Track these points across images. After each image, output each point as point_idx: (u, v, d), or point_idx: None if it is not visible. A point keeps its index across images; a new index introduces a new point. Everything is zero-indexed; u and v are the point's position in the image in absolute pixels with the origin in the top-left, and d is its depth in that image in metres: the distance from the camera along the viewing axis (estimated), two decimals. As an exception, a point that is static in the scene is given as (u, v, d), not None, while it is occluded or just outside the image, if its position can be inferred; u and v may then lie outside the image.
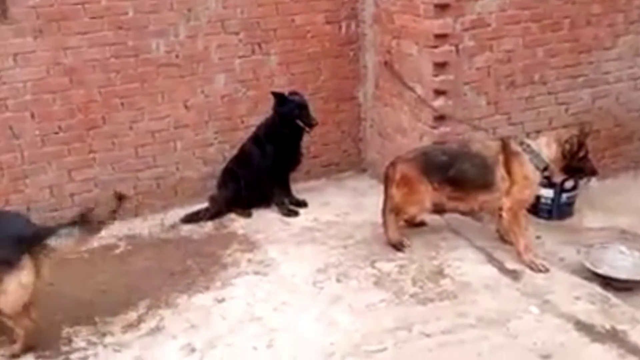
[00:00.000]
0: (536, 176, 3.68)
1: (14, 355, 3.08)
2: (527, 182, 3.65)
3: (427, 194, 3.77)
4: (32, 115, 4.09)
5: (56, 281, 3.45)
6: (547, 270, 3.57)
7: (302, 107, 4.42)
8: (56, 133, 4.19)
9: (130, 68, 4.25)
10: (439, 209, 3.99)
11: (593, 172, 3.85)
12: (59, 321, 3.30)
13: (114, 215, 3.12)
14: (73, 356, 3.06)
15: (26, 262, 2.91)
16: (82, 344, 3.14)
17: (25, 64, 3.97)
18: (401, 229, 3.98)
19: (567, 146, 3.64)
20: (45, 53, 4.00)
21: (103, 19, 4.09)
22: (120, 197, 3.14)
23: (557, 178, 3.95)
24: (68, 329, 3.24)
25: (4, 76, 3.94)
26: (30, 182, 4.19)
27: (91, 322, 3.30)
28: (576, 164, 3.69)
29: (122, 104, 4.31)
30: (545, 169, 3.67)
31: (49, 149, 4.19)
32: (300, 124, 4.43)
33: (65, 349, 3.11)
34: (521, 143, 3.70)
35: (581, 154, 3.67)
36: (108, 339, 3.17)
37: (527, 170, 3.64)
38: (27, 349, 3.09)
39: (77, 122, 4.22)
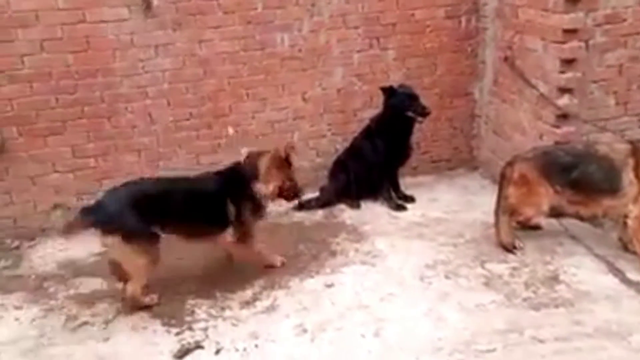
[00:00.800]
0: None
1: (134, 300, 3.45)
2: None
3: (546, 196, 3.64)
4: (168, 103, 4.46)
5: (184, 256, 3.79)
6: None
7: (413, 97, 4.43)
8: (187, 120, 4.53)
9: (256, 61, 4.50)
10: (557, 213, 3.84)
11: None
12: (184, 293, 3.59)
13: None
14: (195, 326, 3.30)
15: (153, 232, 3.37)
16: (204, 316, 3.39)
17: (165, 55, 4.33)
18: (514, 230, 3.88)
19: None
20: (182, 45, 4.34)
21: (234, 14, 4.35)
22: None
23: None
24: (191, 301, 3.52)
25: (146, 65, 4.32)
26: (162, 165, 4.56)
27: (212, 296, 3.55)
28: None
29: (247, 94, 4.58)
30: None
31: (180, 134, 4.55)
32: (412, 114, 4.42)
33: (188, 319, 3.37)
34: None
35: None
36: (227, 313, 3.40)
37: None
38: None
39: (206, 110, 4.54)
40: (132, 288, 3.40)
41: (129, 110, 4.39)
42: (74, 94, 4.26)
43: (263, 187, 3.63)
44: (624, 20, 3.92)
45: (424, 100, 4.46)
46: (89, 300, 3.60)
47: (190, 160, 4.60)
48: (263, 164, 3.62)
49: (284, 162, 3.67)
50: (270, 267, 3.81)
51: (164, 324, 3.33)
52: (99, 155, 4.44)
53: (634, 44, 3.99)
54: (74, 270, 3.96)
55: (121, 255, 3.34)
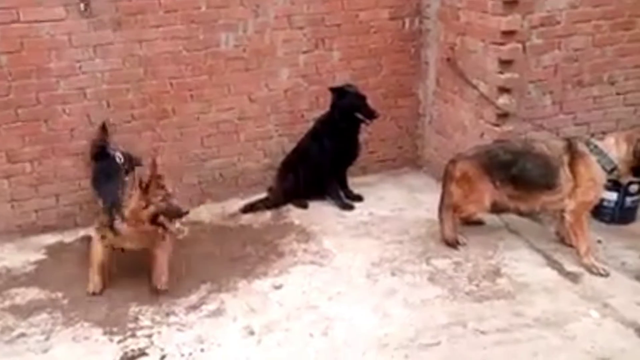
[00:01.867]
0: (602, 178, 3.60)
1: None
2: (592, 183, 3.58)
3: (487, 192, 3.75)
4: (108, 104, 4.32)
5: (125, 262, 3.68)
6: (607, 274, 3.51)
7: (361, 99, 4.47)
8: (128, 122, 4.41)
9: (200, 61, 4.42)
10: (498, 208, 3.96)
11: None
12: (127, 299, 3.49)
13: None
14: (139, 333, 3.22)
15: None
16: (148, 322, 3.31)
17: (103, 55, 4.19)
18: (458, 226, 3.97)
19: None
20: (122, 45, 4.21)
21: (177, 13, 4.26)
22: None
23: (625, 179, 3.84)
24: (134, 308, 3.43)
25: (84, 66, 4.18)
26: (103, 167, 4.42)
27: (156, 302, 3.47)
28: None
29: (191, 95, 4.49)
30: (613, 170, 3.59)
31: (121, 136, 4.40)
32: (360, 116, 4.47)
33: (131, 325, 3.28)
34: (588, 143, 3.63)
35: None
36: (172, 319, 3.33)
37: (594, 172, 3.57)
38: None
39: (148, 111, 4.43)
40: None
41: (66, 112, 4.23)
42: (7, 95, 4.07)
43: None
44: (558, 22, 4.08)
45: (370, 102, 4.51)
46: (26, 310, 3.45)
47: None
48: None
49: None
50: None
51: (105, 333, 3.23)
52: (35, 159, 4.25)
53: (567, 46, 4.15)
54: (9, 280, 3.79)
55: None
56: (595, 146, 3.61)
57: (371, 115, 4.47)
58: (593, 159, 3.57)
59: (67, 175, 4.35)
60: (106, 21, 4.13)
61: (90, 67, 4.19)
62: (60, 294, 3.58)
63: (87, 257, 3.63)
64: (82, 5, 4.02)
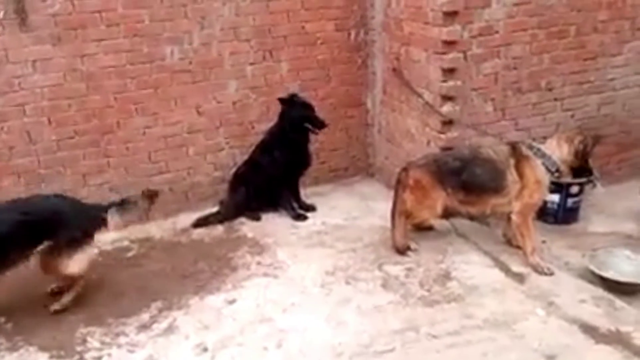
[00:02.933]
0: (546, 179, 3.75)
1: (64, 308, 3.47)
2: (538, 185, 3.72)
3: (439, 199, 3.84)
4: (49, 121, 4.20)
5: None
6: (552, 274, 3.63)
7: (309, 109, 4.50)
8: (71, 138, 4.29)
9: (145, 74, 4.35)
10: (449, 213, 4.05)
11: (591, 172, 3.98)
12: (73, 321, 3.38)
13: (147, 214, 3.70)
14: (87, 355, 3.13)
15: (93, 237, 3.46)
16: (96, 344, 3.21)
17: (43, 70, 4.08)
18: (409, 232, 4.04)
19: (581, 146, 3.73)
20: (62, 60, 4.10)
21: (119, 27, 4.19)
22: (151, 195, 3.65)
23: (565, 180, 4.01)
24: (82, 330, 3.32)
25: (22, 82, 4.05)
26: (45, 187, 4.27)
27: (105, 322, 3.37)
28: (583, 164, 3.79)
29: (137, 109, 4.41)
30: (557, 171, 3.74)
31: (64, 153, 4.30)
32: (309, 126, 4.50)
33: (79, 348, 3.18)
34: (531, 147, 3.77)
35: (589, 154, 3.78)
36: (122, 339, 3.24)
37: (538, 174, 3.71)
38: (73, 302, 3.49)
39: (92, 127, 4.32)
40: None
41: (4, 130, 4.08)
42: (-60, 114, 3.91)
43: None
44: (496, 32, 4.21)
45: (319, 112, 4.54)
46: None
47: (77, 181, 4.36)
48: None
49: None
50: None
51: (52, 357, 3.13)
52: (-28, 180, 4.09)
53: (506, 54, 4.29)
54: None
55: None
56: (539, 149, 3.76)
57: (320, 125, 4.51)
58: (538, 161, 3.72)
59: (7, 195, 4.15)
60: (45, 36, 4.02)
61: (30, 83, 4.07)
62: (2, 319, 3.43)
63: (30, 279, 3.48)
64: (18, 20, 3.90)
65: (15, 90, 4.04)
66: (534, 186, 3.72)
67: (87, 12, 4.08)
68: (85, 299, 3.54)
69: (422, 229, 4.19)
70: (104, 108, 4.32)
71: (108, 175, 4.39)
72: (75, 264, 3.42)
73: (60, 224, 3.35)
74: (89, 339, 3.25)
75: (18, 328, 3.35)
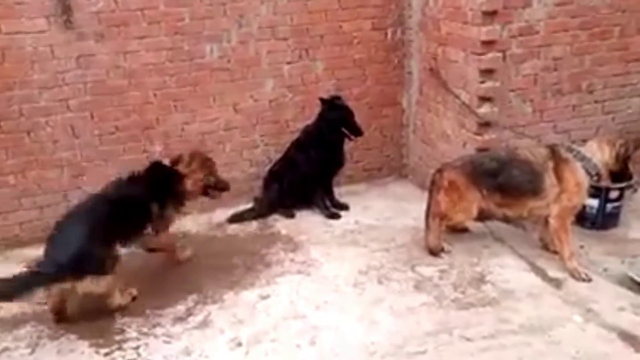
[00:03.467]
0: (586, 183, 3.68)
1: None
2: (577, 188, 3.66)
3: (475, 201, 3.80)
4: (92, 115, 4.31)
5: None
6: (589, 280, 3.57)
7: (350, 115, 4.51)
8: (112, 133, 4.40)
9: (184, 72, 4.43)
10: (484, 216, 4.01)
11: (631, 177, 3.90)
12: (112, 311, 3.46)
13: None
14: (125, 345, 3.21)
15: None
16: (134, 334, 3.29)
17: (87, 66, 4.19)
18: (443, 234, 4.01)
19: (622, 149, 3.66)
20: (105, 56, 4.21)
21: (160, 24, 4.27)
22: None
23: (606, 183, 3.94)
24: (120, 320, 3.41)
25: (67, 77, 4.17)
26: (87, 179, 4.40)
27: (142, 313, 3.45)
28: (623, 168, 3.72)
29: (176, 106, 4.50)
30: (597, 174, 3.67)
31: (105, 147, 4.41)
32: (346, 132, 4.52)
33: (118, 338, 3.27)
34: (570, 149, 3.70)
35: (630, 158, 3.71)
36: (158, 330, 3.32)
37: (578, 177, 3.64)
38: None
39: (132, 122, 4.43)
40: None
41: (49, 124, 4.21)
42: (-10, 108, 4.05)
43: (188, 184, 3.82)
44: (537, 32, 4.16)
45: (357, 118, 4.56)
46: (10, 324, 3.41)
47: (117, 174, 4.44)
48: (184, 162, 3.85)
49: (204, 159, 3.94)
50: (177, 262, 3.98)
51: (92, 345, 3.21)
52: (18, 172, 4.22)
53: (546, 55, 4.23)
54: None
55: (100, 288, 3.31)
56: (579, 152, 3.69)
57: (357, 132, 4.54)
58: (577, 164, 3.65)
59: (51, 187, 4.32)
60: (89, 33, 4.13)
61: (74, 78, 4.18)
62: (45, 307, 3.52)
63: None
64: (64, 17, 4.01)
65: (60, 85, 4.17)
66: (573, 189, 3.65)
67: (130, 10, 4.18)
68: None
69: (457, 230, 4.16)
70: (144, 104, 4.41)
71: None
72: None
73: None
74: (127, 329, 3.34)
75: (59, 316, 3.46)
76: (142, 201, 3.62)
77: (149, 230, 3.71)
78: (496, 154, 3.95)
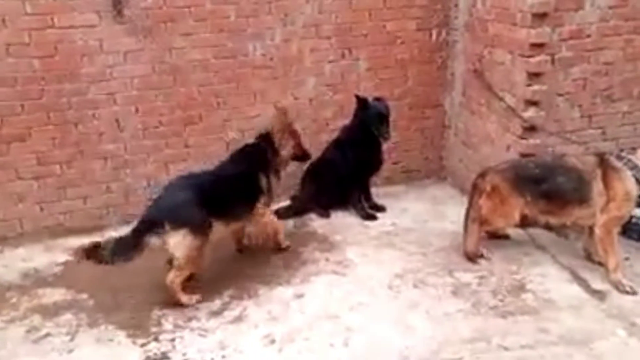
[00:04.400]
0: (636, 192, 3.53)
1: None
2: (626, 198, 3.52)
3: (517, 207, 3.71)
4: (137, 110, 4.40)
5: (148, 265, 3.70)
6: (635, 293, 3.44)
7: (382, 117, 4.44)
8: (156, 127, 4.48)
9: (228, 69, 4.48)
10: (527, 223, 3.91)
11: None
12: (150, 303, 3.53)
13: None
14: (161, 337, 3.25)
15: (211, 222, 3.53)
16: (170, 327, 3.33)
17: (134, 61, 4.28)
18: (482, 240, 3.93)
19: None
20: (152, 52, 4.29)
21: (206, 22, 4.33)
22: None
23: None
24: (157, 312, 3.47)
25: (114, 72, 4.27)
26: (130, 172, 4.50)
27: (179, 306, 3.49)
28: None
29: (218, 103, 4.55)
30: None
31: (149, 141, 4.49)
32: (376, 132, 4.46)
33: (154, 329, 3.32)
34: (620, 157, 3.56)
35: None
36: (194, 324, 3.36)
37: (628, 186, 3.50)
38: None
39: (176, 117, 4.50)
40: (173, 277, 3.48)
41: (96, 116, 4.32)
42: (40, 99, 4.17)
43: (285, 152, 3.99)
44: (588, 36, 4.03)
45: (391, 123, 4.49)
46: (52, 311, 3.51)
47: (159, 168, 4.54)
48: (277, 131, 3.94)
49: (293, 129, 4.05)
50: (279, 247, 4.10)
51: (129, 336, 3.27)
52: (64, 162, 4.35)
53: (597, 59, 4.09)
54: (37, 280, 3.87)
55: (185, 248, 3.41)
56: (629, 160, 3.55)
57: (384, 136, 4.47)
58: (628, 173, 3.51)
59: (95, 178, 4.44)
60: (137, 28, 4.21)
61: (121, 73, 4.28)
62: (85, 295, 3.64)
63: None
64: (114, 12, 4.11)
65: (107, 80, 4.27)
66: (622, 198, 3.51)
67: (177, 7, 4.25)
68: (160, 282, 3.62)
69: (498, 237, 4.07)
70: (188, 100, 4.48)
71: (187, 164, 4.53)
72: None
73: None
74: (163, 321, 3.39)
75: (98, 306, 3.55)
76: (251, 174, 3.81)
77: (260, 204, 3.84)
78: (542, 160, 3.86)
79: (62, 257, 4.10)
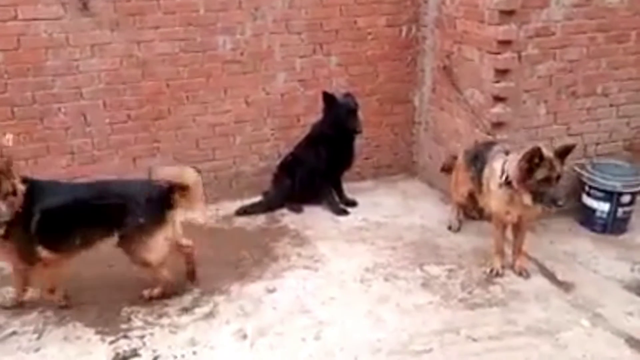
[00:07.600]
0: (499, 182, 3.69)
1: (151, 297, 3.49)
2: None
3: (466, 182, 4.02)
4: (104, 104, 4.32)
5: (116, 263, 3.64)
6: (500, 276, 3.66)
7: (350, 111, 4.44)
8: (124, 122, 4.41)
9: (197, 63, 4.43)
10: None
11: None
12: (119, 300, 3.47)
13: None
14: (131, 334, 3.21)
15: (169, 217, 3.35)
16: (140, 324, 3.30)
17: (101, 55, 4.19)
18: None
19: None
20: (120, 45, 4.21)
21: (175, 15, 4.27)
22: None
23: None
24: (127, 308, 3.42)
25: (81, 65, 4.18)
26: (97, 167, 4.41)
27: (149, 303, 3.45)
28: None
29: (188, 97, 4.50)
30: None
31: (117, 136, 4.41)
32: (346, 127, 4.45)
33: (124, 326, 3.27)
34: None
35: None
36: (164, 320, 3.32)
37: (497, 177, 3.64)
38: (163, 296, 3.49)
39: (144, 112, 4.43)
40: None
41: (62, 111, 4.23)
42: (3, 93, 4.06)
43: None
44: (554, 33, 4.11)
45: (360, 116, 4.47)
46: (19, 309, 3.42)
47: (127, 164, 4.47)
48: None
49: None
50: None
51: (98, 333, 3.22)
52: (30, 158, 4.24)
53: (562, 57, 4.19)
54: (2, 278, 3.76)
55: None
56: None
57: (354, 128, 4.44)
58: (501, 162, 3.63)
59: (62, 174, 4.32)
60: (104, 21, 4.13)
61: (87, 66, 4.19)
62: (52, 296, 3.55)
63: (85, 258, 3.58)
64: (80, 4, 4.02)
65: (74, 73, 4.18)
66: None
67: (146, -1, 4.18)
68: (129, 279, 3.60)
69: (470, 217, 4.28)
70: (157, 94, 4.41)
71: (157, 159, 4.48)
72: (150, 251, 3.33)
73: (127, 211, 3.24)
74: (133, 317, 3.34)
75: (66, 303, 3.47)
76: None
77: None
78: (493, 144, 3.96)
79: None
